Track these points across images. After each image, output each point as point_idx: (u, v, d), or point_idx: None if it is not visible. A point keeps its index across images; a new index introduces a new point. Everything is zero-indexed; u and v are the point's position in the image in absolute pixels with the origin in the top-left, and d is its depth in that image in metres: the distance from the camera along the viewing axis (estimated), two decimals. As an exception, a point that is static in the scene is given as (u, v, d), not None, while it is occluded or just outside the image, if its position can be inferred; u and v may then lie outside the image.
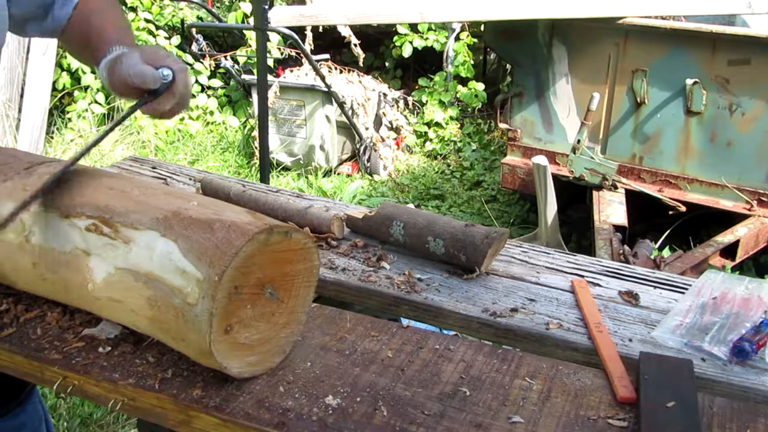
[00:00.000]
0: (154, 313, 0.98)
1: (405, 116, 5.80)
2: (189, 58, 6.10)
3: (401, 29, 6.06)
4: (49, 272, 1.09)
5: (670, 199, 3.57)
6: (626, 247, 3.13)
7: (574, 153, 3.57)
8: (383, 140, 5.37)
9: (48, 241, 1.09)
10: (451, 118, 5.93)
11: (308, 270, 1.06)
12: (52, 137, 5.47)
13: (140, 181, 1.26)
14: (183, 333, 0.96)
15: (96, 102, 5.68)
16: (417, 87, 6.20)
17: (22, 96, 5.33)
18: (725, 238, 3.36)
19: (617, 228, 3.30)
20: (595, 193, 3.61)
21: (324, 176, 5.25)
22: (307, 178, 5.22)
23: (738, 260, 3.38)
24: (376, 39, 6.90)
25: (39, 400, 1.53)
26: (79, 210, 1.08)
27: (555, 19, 3.69)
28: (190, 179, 1.81)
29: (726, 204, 3.57)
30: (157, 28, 6.09)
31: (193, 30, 5.35)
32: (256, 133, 4.79)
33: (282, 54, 5.61)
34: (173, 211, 1.02)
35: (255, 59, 4.62)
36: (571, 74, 3.88)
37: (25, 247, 1.11)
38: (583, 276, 1.37)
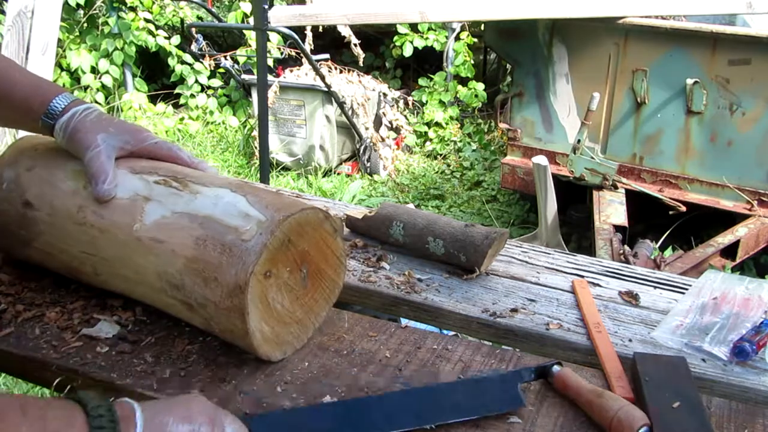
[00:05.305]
0: (196, 252, 0.98)
1: (405, 116, 5.80)
2: (189, 58, 6.10)
3: (401, 29, 6.06)
4: (92, 215, 1.08)
5: (671, 199, 3.57)
6: (626, 247, 3.12)
7: (575, 153, 3.56)
8: (383, 140, 5.36)
9: None
10: (451, 118, 5.93)
11: (333, 282, 1.10)
12: (52, 137, 5.46)
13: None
14: (220, 270, 0.95)
15: (96, 102, 5.68)
16: (417, 87, 6.20)
17: (21, 96, 5.32)
18: (725, 238, 3.36)
19: (617, 228, 3.29)
20: (595, 193, 3.60)
21: (324, 176, 5.24)
22: (307, 178, 5.21)
23: (738, 260, 3.38)
24: (376, 39, 6.90)
25: None
26: (152, 171, 1.10)
27: (555, 19, 3.69)
28: (190, 179, 1.80)
29: (726, 204, 3.57)
30: (157, 27, 6.09)
31: (193, 30, 5.35)
32: (256, 133, 4.79)
33: (282, 54, 5.61)
34: (244, 183, 1.10)
35: (255, 59, 4.62)
36: (571, 74, 3.88)
37: (79, 193, 1.10)
38: (583, 276, 1.37)
